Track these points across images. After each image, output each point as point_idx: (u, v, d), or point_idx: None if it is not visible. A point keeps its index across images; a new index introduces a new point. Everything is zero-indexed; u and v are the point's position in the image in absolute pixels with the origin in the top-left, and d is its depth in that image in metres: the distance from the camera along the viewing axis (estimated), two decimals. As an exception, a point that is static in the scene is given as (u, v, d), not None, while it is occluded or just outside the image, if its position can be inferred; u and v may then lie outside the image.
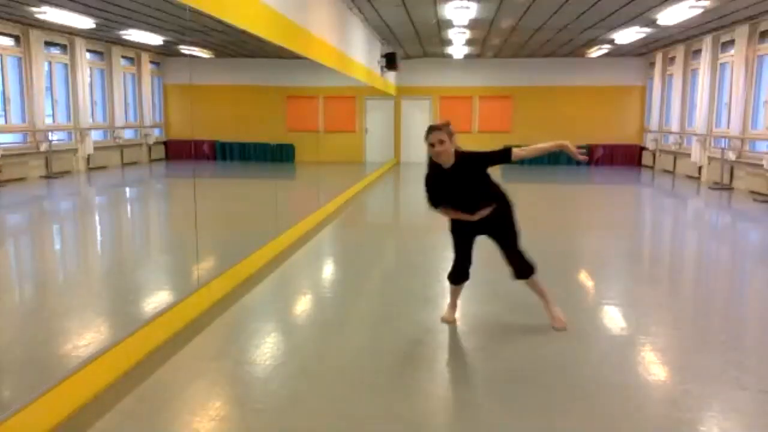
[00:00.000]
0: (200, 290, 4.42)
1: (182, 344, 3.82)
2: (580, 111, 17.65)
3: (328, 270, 6.25)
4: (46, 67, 12.75)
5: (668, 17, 10.77)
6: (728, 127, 12.26)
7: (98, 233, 8.27)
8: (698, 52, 13.72)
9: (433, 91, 18.32)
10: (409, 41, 14.73)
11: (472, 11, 10.70)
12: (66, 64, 13.50)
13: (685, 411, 3.01)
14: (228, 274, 4.95)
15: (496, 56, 17.50)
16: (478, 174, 3.86)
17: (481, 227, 3.97)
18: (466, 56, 17.17)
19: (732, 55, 12.28)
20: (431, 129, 3.74)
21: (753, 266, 6.41)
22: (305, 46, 7.79)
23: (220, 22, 5.06)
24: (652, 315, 4.57)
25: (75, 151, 13.53)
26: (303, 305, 4.88)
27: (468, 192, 3.85)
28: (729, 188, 11.98)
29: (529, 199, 11.48)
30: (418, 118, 18.38)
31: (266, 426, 2.87)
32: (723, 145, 12.08)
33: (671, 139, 15.16)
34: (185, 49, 15.49)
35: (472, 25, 12.12)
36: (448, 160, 3.76)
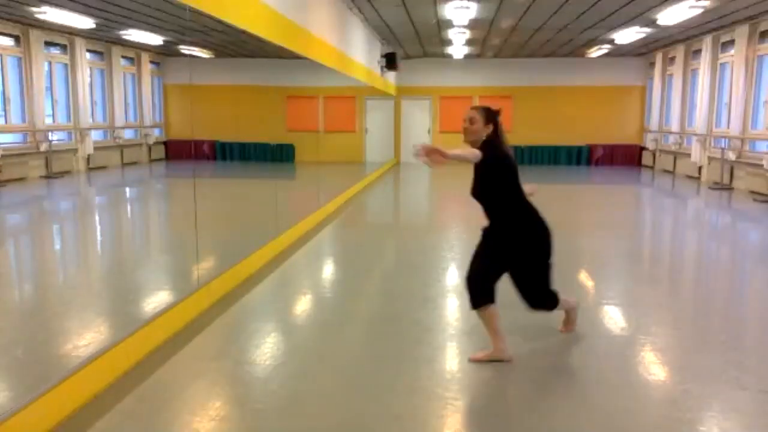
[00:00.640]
0: (200, 290, 4.42)
1: (182, 344, 3.82)
2: (580, 111, 17.65)
3: (328, 270, 6.25)
4: (46, 67, 12.74)
5: (668, 17, 10.77)
6: (728, 127, 12.25)
7: (98, 233, 8.27)
8: (698, 52, 13.72)
9: (433, 91, 18.32)
10: (409, 41, 14.73)
11: (472, 11, 10.70)
12: (66, 64, 13.50)
13: (685, 411, 3.01)
14: (228, 274, 4.95)
15: (496, 56, 17.49)
16: (488, 174, 3.53)
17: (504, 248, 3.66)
18: (466, 56, 17.17)
19: (732, 55, 12.28)
20: (473, 107, 3.66)
21: (753, 266, 6.41)
22: (305, 46, 7.79)
23: (220, 22, 5.06)
24: (652, 315, 4.57)
25: (75, 151, 13.53)
26: (303, 305, 4.88)
27: (478, 185, 3.58)
28: (729, 188, 11.98)
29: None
30: (418, 118, 18.39)
31: (266, 426, 2.87)
32: (723, 145, 12.07)
33: (671, 139, 15.16)
34: (185, 49, 15.49)
35: (472, 25, 12.12)
36: (471, 141, 3.53)
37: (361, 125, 18.12)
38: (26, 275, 6.01)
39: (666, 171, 15.39)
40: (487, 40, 14.39)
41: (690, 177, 13.86)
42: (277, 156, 17.72)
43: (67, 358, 3.60)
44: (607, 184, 14.11)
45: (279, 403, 3.08)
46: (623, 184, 14.04)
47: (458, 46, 15.23)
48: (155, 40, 13.90)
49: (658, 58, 16.15)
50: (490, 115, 3.54)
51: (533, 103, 17.73)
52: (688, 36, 13.55)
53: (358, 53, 11.71)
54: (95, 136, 14.33)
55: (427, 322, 4.24)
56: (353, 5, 10.72)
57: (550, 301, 3.74)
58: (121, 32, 13.09)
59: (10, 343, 3.92)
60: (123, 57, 15.50)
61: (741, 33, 11.74)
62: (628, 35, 12.95)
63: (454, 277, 5.50)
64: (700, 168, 13.37)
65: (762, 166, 10.71)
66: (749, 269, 6.34)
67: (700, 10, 10.11)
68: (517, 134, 17.46)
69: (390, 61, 14.14)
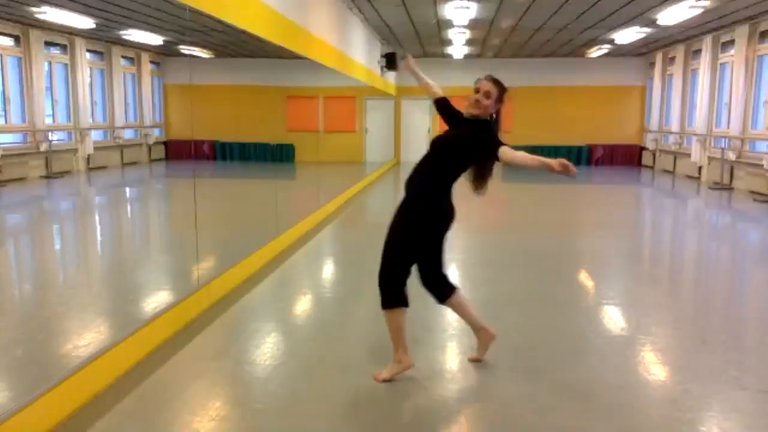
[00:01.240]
0: (200, 290, 4.42)
1: (182, 344, 3.82)
2: (580, 111, 17.65)
3: (328, 270, 6.25)
4: (46, 67, 12.74)
5: (668, 17, 10.77)
6: (728, 127, 12.26)
7: (98, 233, 8.27)
8: (698, 52, 13.72)
9: (433, 91, 18.27)
10: (409, 41, 14.73)
11: (472, 11, 10.70)
12: (66, 64, 13.50)
13: (685, 411, 3.00)
14: (228, 274, 4.95)
15: (496, 56, 17.49)
16: (452, 146, 3.21)
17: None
18: (466, 56, 17.17)
19: (732, 55, 12.28)
20: (489, 76, 3.23)
21: (753, 266, 6.41)
22: (305, 46, 7.79)
23: (220, 22, 5.05)
24: (652, 315, 4.57)
25: (75, 151, 13.53)
26: (303, 305, 4.88)
27: (430, 150, 3.30)
28: (729, 188, 11.98)
29: (528, 199, 11.48)
30: (418, 118, 18.39)
31: (266, 426, 2.87)
32: (723, 145, 12.08)
33: (671, 139, 15.16)
34: (185, 49, 15.49)
35: (472, 25, 12.12)
36: (473, 113, 3.23)
37: (361, 125, 18.12)
38: (26, 275, 6.01)
39: (666, 171, 15.39)
40: (487, 40, 14.39)
41: (690, 177, 13.86)
42: (277, 156, 17.72)
43: (67, 358, 3.59)
44: (607, 184, 14.10)
45: (279, 403, 3.08)
46: (623, 184, 14.04)
47: (458, 46, 15.22)
48: (155, 40, 13.90)
49: (658, 58, 16.15)
50: (502, 94, 3.21)
51: (533, 103, 17.72)
52: (688, 36, 13.55)
53: (358, 53, 11.71)
54: (95, 136, 14.33)
55: (427, 322, 4.24)
56: (353, 5, 10.72)
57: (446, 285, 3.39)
58: (121, 32, 13.09)
59: (10, 343, 3.92)
60: (123, 57, 15.50)
61: (741, 33, 11.74)
62: (628, 35, 12.95)
63: (453, 277, 5.49)
64: (700, 168, 13.37)
65: (762, 166, 10.71)
66: (749, 269, 6.34)
67: (700, 10, 10.11)
68: (517, 134, 17.44)
69: (390, 61, 14.09)
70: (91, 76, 14.31)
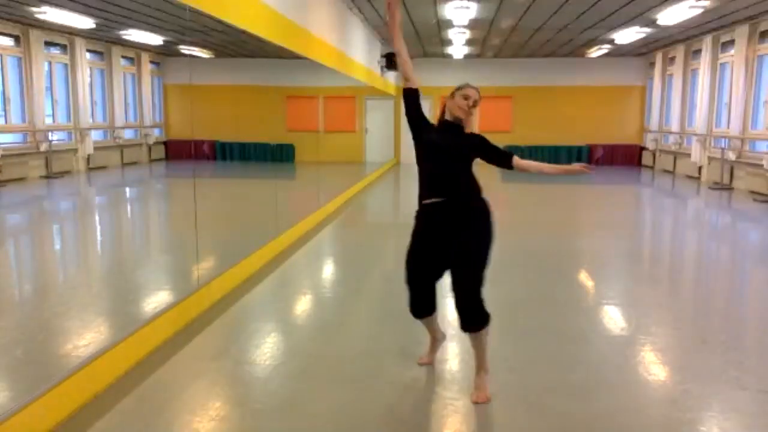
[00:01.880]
0: (200, 290, 4.42)
1: (182, 344, 3.82)
2: (580, 111, 17.64)
3: (328, 270, 6.25)
4: (46, 67, 12.74)
5: (668, 17, 10.77)
6: (728, 127, 12.25)
7: (98, 233, 8.27)
8: (698, 52, 13.72)
9: (433, 91, 18.09)
10: (409, 41, 14.71)
11: (472, 11, 10.70)
12: (66, 64, 13.50)
13: (685, 411, 3.01)
14: (228, 274, 4.95)
15: (496, 56, 17.49)
16: (468, 149, 3.30)
17: (447, 234, 3.29)
18: (466, 56, 17.16)
19: (732, 55, 12.28)
20: (473, 85, 3.42)
21: (753, 266, 6.41)
22: (305, 46, 7.79)
23: (220, 22, 5.06)
24: (652, 315, 4.57)
25: (75, 151, 13.53)
26: (303, 305, 4.88)
27: (451, 153, 3.28)
28: (729, 188, 11.98)
29: (528, 199, 11.49)
30: (418, 118, 18.36)
31: (266, 426, 2.87)
32: (723, 145, 12.08)
33: (671, 139, 15.16)
34: (185, 49, 15.49)
35: (472, 25, 12.12)
36: (458, 117, 3.37)
37: (361, 125, 18.12)
38: (26, 275, 6.01)
39: (666, 171, 15.39)
40: (487, 40, 14.39)
41: (690, 177, 13.86)
42: (277, 156, 17.72)
43: (67, 358, 3.59)
44: (607, 184, 14.09)
45: (279, 403, 3.08)
46: (623, 184, 14.04)
47: (458, 46, 15.22)
48: (155, 40, 13.90)
49: (658, 58, 16.15)
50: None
51: (533, 103, 17.73)
52: (688, 36, 13.55)
53: (358, 53, 11.71)
54: (95, 136, 14.32)
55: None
56: (353, 5, 10.72)
57: (485, 314, 3.13)
58: (121, 32, 13.09)
59: (10, 343, 3.92)
60: (123, 57, 15.49)
61: (741, 33, 11.74)
62: (628, 35, 12.95)
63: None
64: (700, 168, 13.37)
65: (762, 166, 10.71)
66: (749, 269, 6.34)
67: (700, 10, 10.11)
68: (517, 134, 17.50)
69: (390, 61, 14.14)
70: (91, 76, 14.31)
